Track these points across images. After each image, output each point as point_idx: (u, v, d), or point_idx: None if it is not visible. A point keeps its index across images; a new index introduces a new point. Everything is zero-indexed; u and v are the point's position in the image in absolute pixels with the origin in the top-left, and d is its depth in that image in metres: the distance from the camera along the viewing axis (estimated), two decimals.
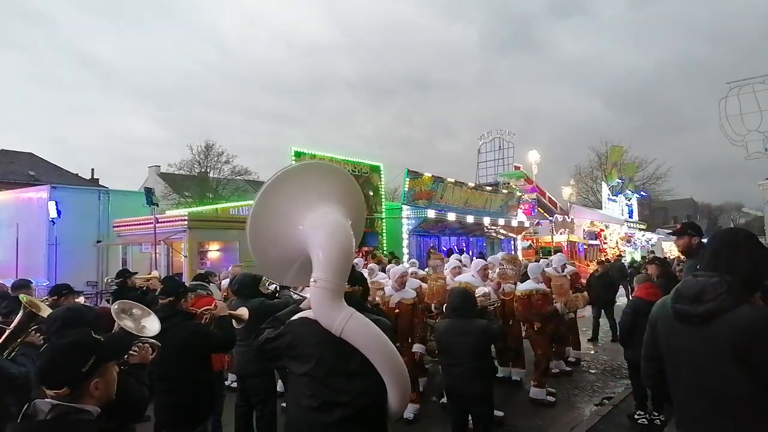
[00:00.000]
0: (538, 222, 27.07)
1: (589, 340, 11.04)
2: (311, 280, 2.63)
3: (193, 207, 28.08)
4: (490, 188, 26.36)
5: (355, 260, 9.05)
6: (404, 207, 19.48)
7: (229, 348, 4.44)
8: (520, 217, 26.64)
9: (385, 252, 17.75)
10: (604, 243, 30.08)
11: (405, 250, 18.77)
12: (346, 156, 18.06)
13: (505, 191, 26.68)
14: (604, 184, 38.12)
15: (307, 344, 2.68)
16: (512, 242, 26.02)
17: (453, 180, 22.35)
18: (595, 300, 10.84)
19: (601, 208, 36.67)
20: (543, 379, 6.91)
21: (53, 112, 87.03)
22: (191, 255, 13.62)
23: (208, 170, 37.83)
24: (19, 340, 3.72)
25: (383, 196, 19.98)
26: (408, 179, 19.66)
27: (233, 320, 4.46)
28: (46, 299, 5.42)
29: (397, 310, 6.28)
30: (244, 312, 4.53)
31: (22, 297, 3.97)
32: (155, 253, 14.15)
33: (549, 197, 31.77)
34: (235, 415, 5.28)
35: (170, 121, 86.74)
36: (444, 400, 6.73)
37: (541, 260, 10.06)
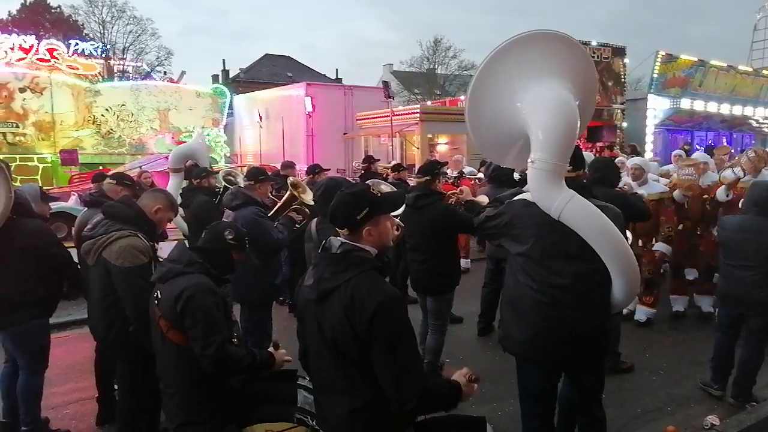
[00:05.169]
0: None
1: None
2: (529, 160, 2.56)
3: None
4: None
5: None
6: (651, 96, 17.14)
7: (473, 230, 4.64)
8: None
9: (616, 147, 16.11)
10: None
11: (649, 146, 16.78)
12: (584, 38, 16.34)
13: None
14: None
15: (525, 225, 2.69)
16: None
17: (719, 63, 18.66)
18: None
19: None
20: None
21: (303, 19, 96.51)
22: (422, 147, 14.40)
23: (436, 66, 38.36)
24: (284, 213, 4.48)
25: (626, 85, 17.81)
26: (659, 63, 17.04)
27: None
28: (305, 179, 6.37)
29: None
30: (483, 199, 4.64)
31: (290, 179, 4.73)
32: (391, 145, 15.31)
33: None
34: (482, 294, 5.83)
35: (401, 22, 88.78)
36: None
37: None
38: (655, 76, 17.18)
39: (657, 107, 17.12)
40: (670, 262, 6.34)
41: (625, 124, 17.52)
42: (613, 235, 2.56)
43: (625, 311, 5.72)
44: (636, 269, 2.67)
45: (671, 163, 8.87)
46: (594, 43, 16.44)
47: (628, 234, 3.31)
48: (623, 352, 4.79)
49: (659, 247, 5.85)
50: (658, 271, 6.10)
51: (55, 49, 18.69)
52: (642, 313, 5.86)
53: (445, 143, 16.38)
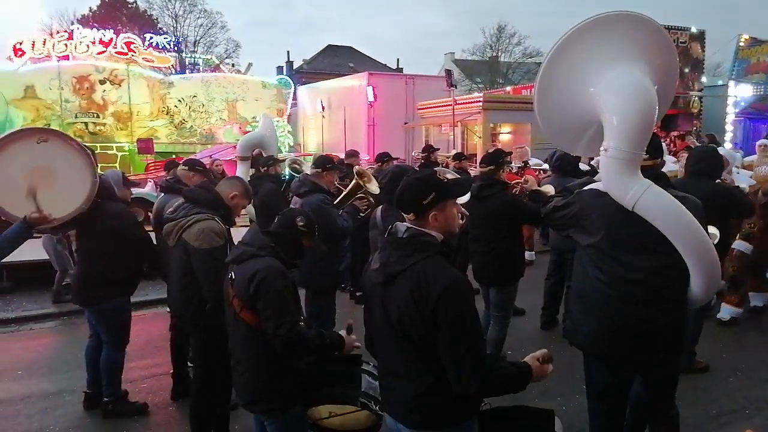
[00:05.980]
0: None
1: None
2: (601, 148, 2.45)
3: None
4: None
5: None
6: (732, 83, 16.06)
7: (538, 220, 4.53)
8: None
9: (691, 136, 15.19)
10: None
11: (728, 136, 15.76)
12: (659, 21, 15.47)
13: None
14: None
15: (596, 216, 2.59)
16: None
17: None
18: None
19: None
20: None
21: (364, 10, 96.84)
22: (484, 136, 14.18)
23: (499, 54, 37.54)
24: (348, 202, 4.55)
25: (704, 71, 16.77)
26: (741, 48, 15.94)
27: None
28: (373, 167, 6.46)
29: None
30: (549, 189, 4.53)
31: (355, 168, 4.79)
32: (452, 135, 15.17)
33: None
34: (545, 286, 5.72)
35: (462, 10, 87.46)
36: None
37: None
38: (738, 61, 16.08)
39: (738, 95, 16.02)
40: (751, 260, 5.94)
41: (703, 113, 16.53)
42: (692, 227, 2.40)
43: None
44: (717, 264, 2.51)
45: (754, 153, 8.28)
46: (694, 30, 15.49)
47: (714, 230, 3.10)
48: (698, 352, 4.57)
49: (738, 245, 5.51)
50: (744, 269, 5.67)
51: (132, 43, 19.70)
52: (726, 312, 5.54)
53: (508, 132, 16.05)
